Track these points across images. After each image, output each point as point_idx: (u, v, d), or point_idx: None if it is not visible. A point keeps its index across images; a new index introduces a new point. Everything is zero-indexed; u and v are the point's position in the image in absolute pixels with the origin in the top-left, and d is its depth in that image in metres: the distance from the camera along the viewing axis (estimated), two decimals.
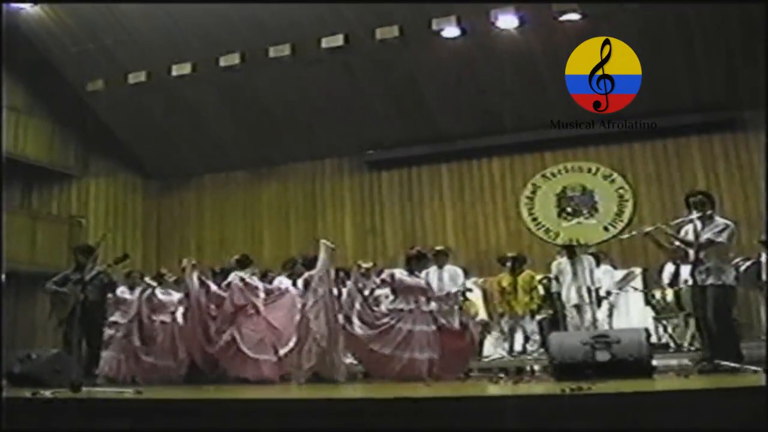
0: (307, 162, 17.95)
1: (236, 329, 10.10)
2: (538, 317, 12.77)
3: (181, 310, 11.10)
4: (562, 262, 11.90)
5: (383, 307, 9.60)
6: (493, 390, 7.12)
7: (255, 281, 10.56)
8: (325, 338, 9.29)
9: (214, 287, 10.64)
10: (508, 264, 12.90)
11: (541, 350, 11.73)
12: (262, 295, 10.42)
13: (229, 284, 10.44)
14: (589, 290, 11.55)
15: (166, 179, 19.23)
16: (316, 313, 9.38)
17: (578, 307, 11.64)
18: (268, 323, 10.23)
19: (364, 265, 10.94)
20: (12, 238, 16.45)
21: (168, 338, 10.90)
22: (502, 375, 9.61)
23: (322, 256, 9.74)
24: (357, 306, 9.46)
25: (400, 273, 9.61)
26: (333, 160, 17.84)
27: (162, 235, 18.93)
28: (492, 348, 13.14)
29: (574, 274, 11.57)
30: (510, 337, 12.66)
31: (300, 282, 10.46)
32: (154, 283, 11.43)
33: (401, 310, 9.34)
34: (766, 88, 11.75)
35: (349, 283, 9.92)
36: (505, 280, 12.75)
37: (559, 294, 12.21)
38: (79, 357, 8.92)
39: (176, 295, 11.34)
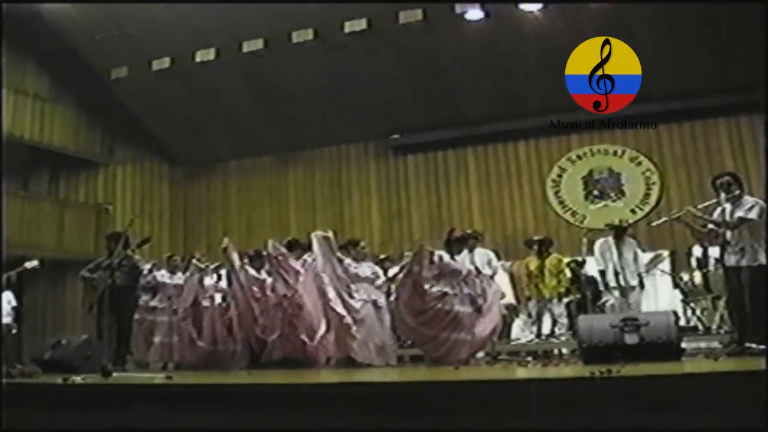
0: (332, 147, 17.95)
1: (282, 312, 10.11)
2: (565, 300, 12.73)
3: (218, 294, 11.15)
4: (609, 242, 11.69)
5: (434, 290, 9.59)
6: (521, 373, 7.11)
7: (296, 265, 10.48)
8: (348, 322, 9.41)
9: (252, 271, 10.69)
10: (535, 247, 12.84)
11: (569, 333, 11.69)
12: (302, 278, 10.36)
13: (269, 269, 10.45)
14: (617, 273, 11.42)
15: (192, 165, 19.29)
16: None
17: (621, 290, 11.47)
18: (308, 305, 10.20)
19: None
20: (40, 225, 16.65)
21: (217, 323, 10.93)
22: (530, 358, 9.62)
23: (315, 248, 9.83)
24: (408, 289, 9.54)
25: (447, 256, 9.65)
26: (358, 145, 17.82)
27: (189, 221, 19.01)
28: (520, 331, 13.11)
29: (620, 255, 11.41)
30: (538, 320, 12.61)
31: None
32: (202, 265, 11.43)
33: (446, 293, 9.39)
34: (766, 87, 11.69)
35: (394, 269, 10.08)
36: (532, 263, 12.68)
37: (588, 277, 12.13)
38: (110, 342, 8.96)
39: (211, 280, 11.39)
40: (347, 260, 10.11)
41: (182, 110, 17.62)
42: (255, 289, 10.51)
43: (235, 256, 10.67)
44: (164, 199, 19.12)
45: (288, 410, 5.32)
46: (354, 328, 9.52)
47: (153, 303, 11.78)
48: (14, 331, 13.42)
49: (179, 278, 11.85)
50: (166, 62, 16.17)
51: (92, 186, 18.50)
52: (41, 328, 16.37)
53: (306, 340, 9.90)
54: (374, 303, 9.96)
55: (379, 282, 10.34)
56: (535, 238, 13.14)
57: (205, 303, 11.18)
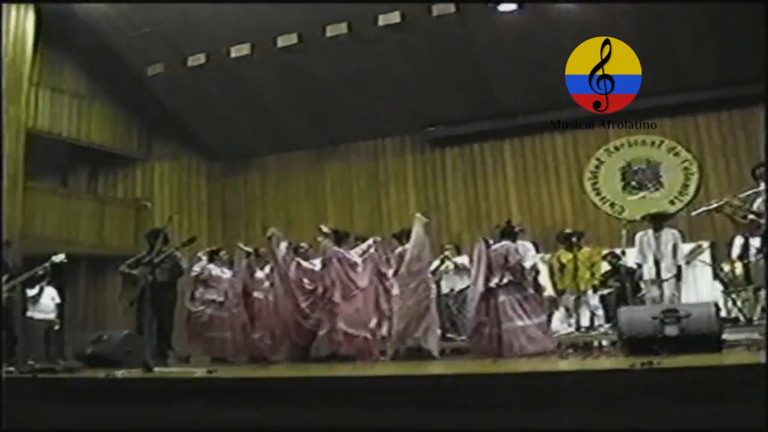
0: (369, 140, 17.96)
1: (333, 305, 9.99)
2: (600, 292, 12.67)
3: (267, 284, 11.10)
4: (648, 234, 11.60)
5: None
6: (562, 365, 7.11)
7: (353, 256, 10.41)
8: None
9: (305, 263, 10.67)
10: (569, 240, 12.76)
11: (608, 325, 11.63)
12: (359, 270, 10.31)
13: (325, 260, 10.36)
14: (656, 265, 11.34)
15: (229, 161, 19.37)
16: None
17: (658, 282, 11.39)
18: (363, 299, 10.16)
19: None
20: (81, 222, 16.84)
21: (266, 315, 10.85)
22: (570, 350, 9.59)
23: (417, 232, 9.81)
24: None
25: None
26: (395, 138, 17.82)
27: (227, 217, 19.10)
28: (559, 324, 13.05)
29: (658, 247, 11.34)
30: (575, 313, 12.56)
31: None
32: (249, 249, 11.43)
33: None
34: (766, 84, 11.59)
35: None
36: (564, 256, 12.63)
37: (628, 268, 12.05)
38: (151, 338, 9.03)
39: (262, 272, 11.36)
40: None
41: (218, 106, 17.69)
42: (306, 280, 10.49)
43: (282, 246, 10.61)
44: (202, 194, 19.22)
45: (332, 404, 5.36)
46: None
47: (210, 296, 11.81)
48: (57, 327, 13.56)
49: (228, 273, 11.90)
50: (201, 58, 16.24)
51: (130, 182, 18.67)
52: (82, 323, 16.53)
53: (356, 333, 9.84)
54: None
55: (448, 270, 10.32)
56: (566, 231, 13.08)
57: (257, 294, 11.06)
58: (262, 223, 17.79)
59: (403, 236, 10.36)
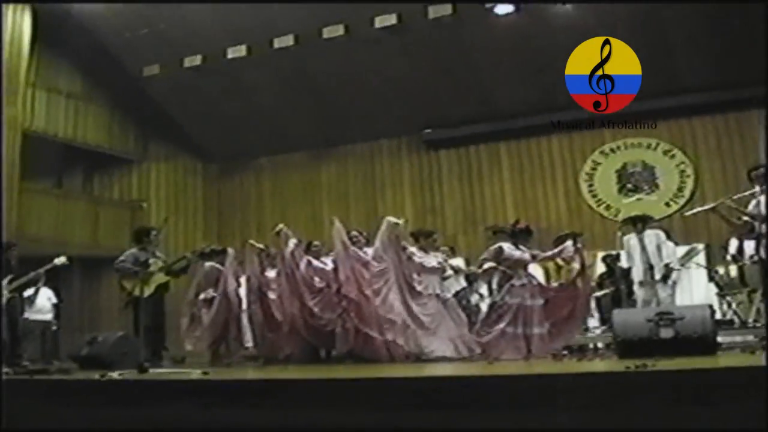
0: (365, 142, 17.98)
1: (347, 303, 9.81)
2: (596, 294, 12.69)
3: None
4: (632, 237, 11.69)
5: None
6: (557, 368, 7.11)
7: (365, 256, 10.20)
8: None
9: (316, 262, 10.62)
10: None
11: (603, 327, 11.65)
12: (374, 269, 10.07)
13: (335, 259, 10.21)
14: (651, 266, 11.38)
15: (226, 162, 19.36)
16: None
17: (644, 284, 11.46)
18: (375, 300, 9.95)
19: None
20: (75, 223, 16.84)
21: (277, 313, 10.67)
22: (565, 352, 9.59)
23: (380, 231, 9.77)
24: None
25: (509, 247, 9.59)
26: (391, 140, 17.84)
27: (223, 218, 19.09)
28: None
29: (642, 248, 11.40)
30: None
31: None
32: (260, 245, 11.29)
33: (513, 285, 9.38)
34: (766, 85, 11.60)
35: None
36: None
37: (623, 270, 12.09)
38: (146, 339, 9.02)
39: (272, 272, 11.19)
40: (411, 249, 10.03)
41: (214, 107, 17.65)
42: (317, 279, 10.43)
43: (291, 243, 10.48)
44: (198, 196, 19.21)
45: (323, 406, 5.35)
46: (418, 323, 9.50)
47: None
48: (55, 327, 13.56)
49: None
50: (197, 59, 16.24)
51: (126, 183, 18.68)
52: (77, 324, 16.51)
53: (374, 334, 9.58)
54: (437, 296, 9.87)
55: (447, 273, 10.27)
56: (561, 234, 13.08)
57: (271, 295, 10.85)
58: (257, 225, 17.83)
59: (421, 236, 10.34)
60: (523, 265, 9.55)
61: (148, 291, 9.80)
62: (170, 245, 15.16)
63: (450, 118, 16.85)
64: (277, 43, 15.60)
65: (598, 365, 7.11)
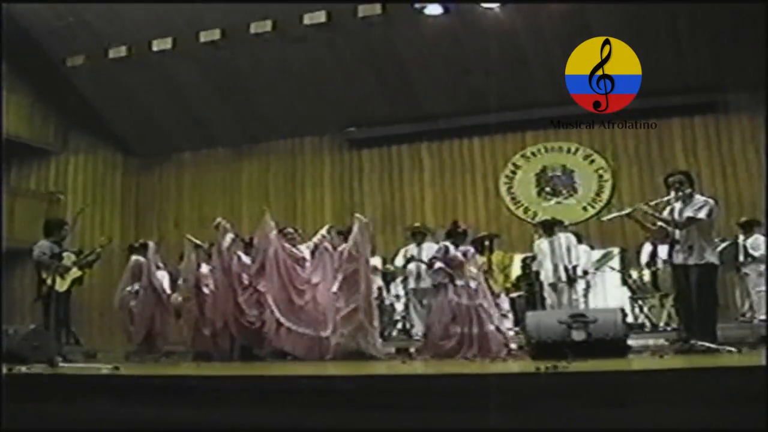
0: (287, 139, 17.88)
1: (275, 300, 9.83)
2: (511, 295, 12.82)
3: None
4: (543, 240, 11.90)
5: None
6: (470, 368, 7.15)
7: (303, 251, 10.29)
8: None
9: (245, 258, 10.53)
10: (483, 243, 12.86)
11: (516, 329, 11.78)
12: (308, 266, 10.19)
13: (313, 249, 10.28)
14: (566, 269, 11.58)
15: (147, 156, 19.08)
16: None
17: (555, 286, 11.67)
18: (312, 296, 10.07)
19: None
20: None
21: (210, 309, 10.56)
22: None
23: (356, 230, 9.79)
24: None
25: (453, 248, 9.66)
26: (314, 138, 17.77)
27: (140, 212, 18.79)
28: None
29: (552, 252, 11.59)
30: None
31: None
32: (198, 242, 11.23)
33: (456, 285, 9.44)
34: (766, 79, 11.83)
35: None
36: (479, 259, 12.75)
37: (537, 273, 12.25)
38: (59, 332, 8.87)
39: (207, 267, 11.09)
40: None
41: (138, 100, 17.42)
42: (244, 276, 10.35)
43: (228, 238, 10.42)
44: (116, 189, 18.87)
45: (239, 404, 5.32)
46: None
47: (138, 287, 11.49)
48: None
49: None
50: (122, 51, 15.92)
51: (44, 175, 18.29)
52: None
53: (303, 331, 9.74)
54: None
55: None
56: (479, 235, 13.18)
57: (205, 290, 10.80)
58: (175, 220, 17.66)
59: (349, 233, 10.29)
60: (461, 265, 9.63)
61: (64, 285, 9.67)
62: (86, 238, 14.92)
63: (375, 118, 16.83)
64: (204, 36, 15.39)
65: (511, 366, 7.19)
